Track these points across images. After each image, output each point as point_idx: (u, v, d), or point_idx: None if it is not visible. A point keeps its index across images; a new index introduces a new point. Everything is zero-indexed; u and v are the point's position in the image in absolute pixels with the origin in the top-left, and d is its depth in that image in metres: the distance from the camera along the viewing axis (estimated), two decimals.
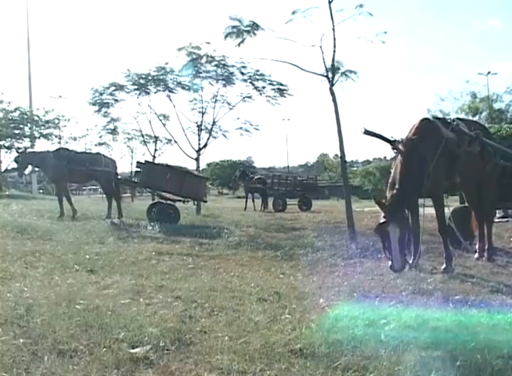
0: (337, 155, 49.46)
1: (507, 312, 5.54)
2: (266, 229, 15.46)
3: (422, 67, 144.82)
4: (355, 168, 67.05)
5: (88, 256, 9.21)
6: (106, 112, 24.59)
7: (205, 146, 23.26)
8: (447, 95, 49.26)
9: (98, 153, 19.65)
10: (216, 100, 23.05)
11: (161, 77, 22.31)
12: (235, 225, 15.65)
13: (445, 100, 49.37)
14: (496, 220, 14.26)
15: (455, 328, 5.01)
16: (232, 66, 21.60)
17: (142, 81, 22.57)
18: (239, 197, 40.00)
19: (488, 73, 49.68)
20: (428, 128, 8.67)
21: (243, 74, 21.83)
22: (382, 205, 7.90)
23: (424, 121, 8.84)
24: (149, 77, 22.47)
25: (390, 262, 7.73)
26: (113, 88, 23.34)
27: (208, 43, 19.59)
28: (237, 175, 30.90)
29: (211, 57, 20.64)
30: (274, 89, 22.14)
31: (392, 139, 8.55)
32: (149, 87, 22.70)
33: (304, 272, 8.30)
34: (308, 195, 30.31)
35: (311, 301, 6.01)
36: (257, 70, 21.80)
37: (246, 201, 28.58)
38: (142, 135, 31.91)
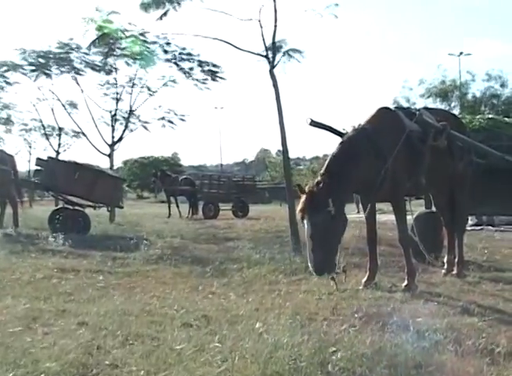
0: (280, 151, 49.90)
1: (479, 337, 5.62)
2: (194, 239, 15.44)
3: (388, 50, 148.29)
4: (302, 167, 67.74)
5: None
6: None
7: (120, 139, 23.09)
8: (419, 83, 50.11)
9: None
10: (133, 84, 22.95)
11: (65, 55, 21.94)
12: (156, 235, 15.51)
13: (413, 89, 50.34)
14: (469, 228, 14.67)
15: (417, 357, 5.05)
16: (154, 42, 21.44)
17: (41, 60, 22.12)
18: (162, 202, 39.71)
19: (461, 54, 50.08)
20: (387, 119, 8.77)
21: (166, 52, 21.71)
22: (302, 191, 7.76)
23: (382, 110, 8.93)
24: (50, 56, 22.05)
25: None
26: (5, 68, 22.82)
27: (117, 13, 19.32)
28: (157, 177, 30.56)
29: (126, 32, 20.40)
30: (204, 71, 22.13)
31: (344, 132, 8.59)
32: (50, 67, 22.29)
33: (238, 291, 8.29)
34: (245, 199, 30.37)
35: (245, 325, 5.98)
36: (184, 49, 21.74)
37: (170, 206, 28.42)
38: (43, 127, 31.34)
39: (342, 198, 7.87)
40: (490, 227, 18.45)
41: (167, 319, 6.45)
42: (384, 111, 8.94)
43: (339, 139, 8.42)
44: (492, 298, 7.79)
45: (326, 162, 8.07)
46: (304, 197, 7.69)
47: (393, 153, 8.25)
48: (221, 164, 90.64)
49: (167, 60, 22.01)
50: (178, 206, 28.87)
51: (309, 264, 7.73)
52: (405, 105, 39.98)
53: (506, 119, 12.74)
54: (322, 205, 7.54)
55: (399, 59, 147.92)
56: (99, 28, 18.83)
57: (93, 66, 22.54)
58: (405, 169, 8.63)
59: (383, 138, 8.40)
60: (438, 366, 4.85)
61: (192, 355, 5.06)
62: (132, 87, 23.03)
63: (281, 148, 13.75)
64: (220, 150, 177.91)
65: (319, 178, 7.80)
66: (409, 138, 8.59)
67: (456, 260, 9.73)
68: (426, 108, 10.40)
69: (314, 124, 8.48)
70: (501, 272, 9.99)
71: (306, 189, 7.72)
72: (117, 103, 23.25)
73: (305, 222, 7.68)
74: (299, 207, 7.75)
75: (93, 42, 19.29)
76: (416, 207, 11.40)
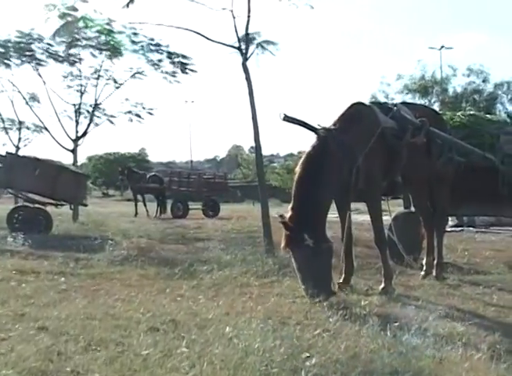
0: (253, 148, 49.84)
1: (458, 343, 5.65)
2: (162, 239, 15.43)
3: (367, 44, 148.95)
4: (276, 164, 67.88)
5: None
6: None
7: (85, 134, 22.92)
8: (397, 78, 50.15)
9: None
10: (99, 76, 22.75)
11: (26, 45, 21.70)
12: (122, 235, 15.46)
13: (392, 85, 50.43)
14: (448, 229, 14.79)
15: (394, 362, 5.07)
16: (120, 32, 21.30)
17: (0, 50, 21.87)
18: (128, 200, 39.51)
19: (442, 47, 50.51)
20: (360, 114, 8.80)
21: (133, 42, 21.59)
22: (287, 226, 7.92)
23: (356, 105, 8.95)
24: (9, 44, 21.79)
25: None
26: None
27: (85, 1, 19.14)
28: (125, 174, 30.30)
29: (92, 21, 20.23)
30: (173, 63, 22.03)
31: (319, 127, 8.57)
32: (9, 57, 22.03)
33: (207, 293, 8.28)
34: (216, 197, 30.35)
35: (215, 330, 5.96)
36: (152, 39, 21.63)
37: (136, 205, 28.33)
38: (2, 120, 30.96)
39: (319, 225, 7.97)
40: (471, 228, 18.65)
41: (133, 323, 6.40)
42: (357, 107, 8.96)
43: (313, 135, 8.44)
44: (472, 302, 7.89)
45: (293, 188, 8.19)
46: (284, 233, 7.94)
47: (364, 150, 8.30)
48: (192, 161, 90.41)
49: (135, 51, 21.90)
50: (145, 205, 28.77)
51: (304, 293, 7.88)
52: (384, 101, 40.10)
53: (487, 115, 12.85)
54: (299, 241, 7.72)
55: (379, 54, 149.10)
56: (63, 16, 18.66)
57: (56, 57, 22.30)
58: (380, 167, 8.67)
59: (353, 135, 8.43)
60: (415, 373, 4.86)
61: (159, 360, 5.03)
62: (97, 79, 22.86)
63: (254, 144, 13.75)
64: (190, 146, 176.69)
65: (291, 212, 7.96)
66: (383, 134, 8.63)
67: (435, 262, 9.81)
68: (405, 103, 10.47)
69: (287, 119, 8.46)
70: (482, 274, 10.11)
71: (284, 222, 7.90)
72: (81, 95, 23.07)
73: (292, 257, 7.99)
74: (282, 243, 8.00)
75: (57, 31, 19.11)
76: (394, 207, 11.46)
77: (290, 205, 8.07)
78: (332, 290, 7.98)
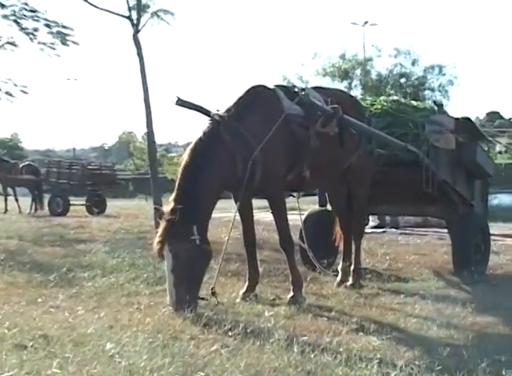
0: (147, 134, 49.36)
1: (373, 358, 5.72)
2: (36, 241, 15.22)
3: (284, 17, 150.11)
4: (174, 154, 67.72)
5: None
6: None
7: None
8: (313, 57, 50.29)
9: None
10: None
11: None
12: None
13: (307, 65, 50.67)
14: (368, 231, 15.04)
15: None
16: None
17: None
18: None
19: (365, 23, 51.08)
20: (259, 99, 8.82)
21: (3, 6, 21.05)
22: (161, 216, 7.92)
23: (255, 88, 8.92)
24: None
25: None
26: None
27: None
28: None
29: None
30: (52, 33, 21.61)
31: (215, 113, 8.51)
32: None
33: (88, 304, 8.19)
34: (103, 192, 30.07)
35: (94, 346, 5.90)
36: (26, 4, 21.14)
37: (6, 200, 27.93)
38: None
39: (200, 222, 7.95)
40: (394, 229, 19.01)
41: None
42: (256, 90, 8.93)
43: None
44: (392, 313, 8.02)
45: (178, 178, 8.16)
46: (162, 226, 7.83)
47: (262, 141, 8.30)
48: (74, 149, 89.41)
49: (5, 17, 21.33)
50: (17, 199, 28.30)
51: (168, 300, 7.82)
52: (298, 83, 40.32)
53: (413, 102, 12.96)
54: (185, 234, 7.69)
55: (295, 30, 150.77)
56: None
57: None
58: (283, 160, 8.71)
59: (250, 123, 8.46)
60: None
61: None
62: None
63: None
64: (73, 131, 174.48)
65: (173, 204, 7.89)
66: (287, 123, 8.67)
67: (352, 268, 9.93)
68: (317, 87, 10.51)
69: (181, 103, 8.39)
70: (403, 282, 10.33)
71: (164, 217, 7.83)
72: None
73: (165, 254, 7.82)
74: (157, 238, 7.85)
75: None
76: (308, 205, 11.58)
77: (172, 196, 8.02)
78: (196, 299, 7.91)
